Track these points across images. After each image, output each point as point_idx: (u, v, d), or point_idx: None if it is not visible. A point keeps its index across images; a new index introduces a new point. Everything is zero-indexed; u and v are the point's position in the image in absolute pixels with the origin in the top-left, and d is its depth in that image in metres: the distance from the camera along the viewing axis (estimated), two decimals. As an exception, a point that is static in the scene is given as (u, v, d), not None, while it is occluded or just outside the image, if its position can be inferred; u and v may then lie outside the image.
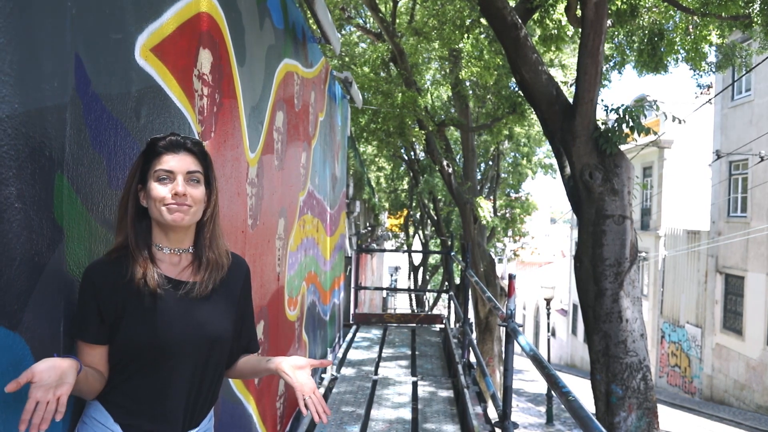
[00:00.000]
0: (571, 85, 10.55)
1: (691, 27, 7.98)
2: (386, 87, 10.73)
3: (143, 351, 1.48)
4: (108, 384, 1.50)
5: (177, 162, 1.49)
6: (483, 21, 8.59)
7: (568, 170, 5.54)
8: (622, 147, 5.96)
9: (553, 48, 8.26)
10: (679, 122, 6.18)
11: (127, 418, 1.49)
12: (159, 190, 1.48)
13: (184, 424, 1.56)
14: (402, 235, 24.84)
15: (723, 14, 6.97)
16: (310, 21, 6.47)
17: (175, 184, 1.48)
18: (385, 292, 23.00)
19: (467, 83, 11.95)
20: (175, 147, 1.51)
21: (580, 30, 5.70)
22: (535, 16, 7.33)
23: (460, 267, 7.59)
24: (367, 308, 15.00)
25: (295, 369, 1.61)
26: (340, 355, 6.28)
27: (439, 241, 21.20)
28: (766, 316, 14.55)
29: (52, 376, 1.24)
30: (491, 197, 17.98)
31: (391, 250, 11.79)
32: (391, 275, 34.79)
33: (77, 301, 1.47)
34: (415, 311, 23.85)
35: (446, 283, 17.42)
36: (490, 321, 12.99)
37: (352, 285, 8.66)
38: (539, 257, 40.74)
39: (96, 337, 1.47)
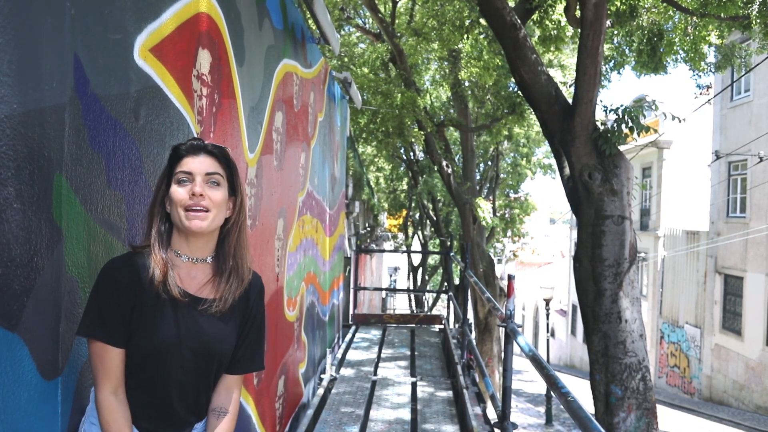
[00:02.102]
0: (570, 86, 10.55)
1: (690, 27, 7.98)
2: (385, 87, 10.72)
3: (153, 358, 1.48)
4: None
5: (196, 163, 1.49)
6: (482, 21, 8.59)
7: (567, 171, 5.53)
8: (622, 147, 5.95)
9: (552, 48, 8.26)
10: (679, 121, 6.17)
11: (135, 419, 1.50)
12: (178, 192, 1.47)
13: (192, 421, 1.60)
14: (401, 235, 24.83)
15: (722, 14, 6.97)
16: (310, 21, 6.47)
17: (193, 185, 1.47)
18: (384, 292, 22.99)
19: (466, 84, 11.95)
20: (195, 150, 1.51)
21: (579, 30, 5.70)
22: (535, 16, 7.32)
23: (459, 267, 7.59)
24: (367, 309, 15.00)
25: None
26: (339, 355, 6.28)
27: (438, 241, 21.22)
28: (765, 317, 14.55)
29: None
30: (490, 198, 17.99)
31: (391, 251, 11.81)
32: (391, 276, 34.74)
33: (94, 299, 1.44)
34: (415, 312, 23.85)
35: (445, 284, 17.43)
36: (489, 321, 12.99)
37: (352, 285, 8.66)
38: (538, 258, 40.76)
39: (118, 339, 1.45)
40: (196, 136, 2.19)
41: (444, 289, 13.55)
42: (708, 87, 10.77)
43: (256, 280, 1.68)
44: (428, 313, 13.91)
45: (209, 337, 1.54)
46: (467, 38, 9.14)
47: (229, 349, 1.60)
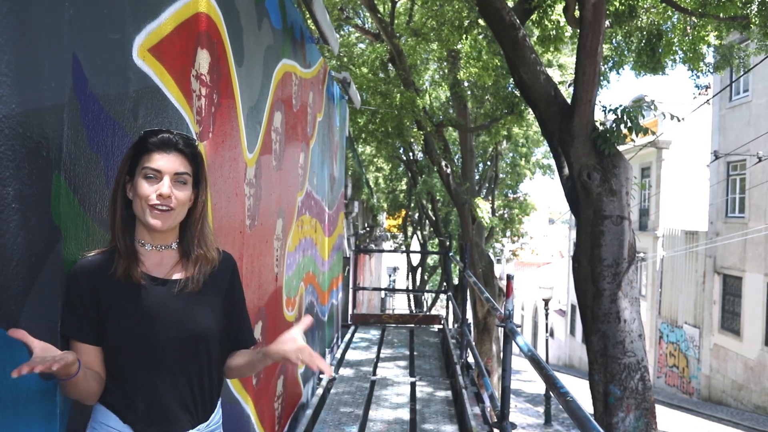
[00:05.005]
0: (569, 86, 10.55)
1: (689, 28, 7.98)
2: (385, 87, 10.72)
3: (133, 348, 1.48)
4: (107, 386, 1.50)
5: (166, 162, 1.48)
6: (481, 22, 8.59)
7: (566, 171, 5.54)
8: (621, 147, 5.96)
9: (551, 49, 8.27)
10: (678, 120, 6.18)
11: (133, 418, 1.49)
12: (145, 188, 1.46)
13: (192, 419, 1.57)
14: (400, 235, 24.83)
15: (721, 15, 6.98)
16: (309, 21, 6.47)
17: (160, 184, 1.47)
18: (383, 292, 22.99)
19: (465, 84, 11.95)
20: (167, 146, 1.49)
21: (578, 31, 5.70)
22: (534, 16, 7.33)
23: (458, 267, 7.59)
24: (366, 309, 14.99)
25: (280, 344, 1.56)
26: (338, 355, 6.28)
27: (437, 241, 21.21)
28: (763, 317, 14.57)
29: (52, 349, 1.29)
30: (489, 198, 17.99)
31: (390, 251, 11.80)
32: (390, 276, 34.75)
33: (64, 301, 1.47)
34: (414, 312, 23.84)
35: (444, 284, 17.45)
36: (488, 321, 12.99)
37: (351, 285, 8.66)
38: (538, 258, 40.77)
39: (88, 336, 1.47)
40: (194, 135, 2.19)
41: (443, 289, 13.58)
42: (707, 87, 10.79)
43: (228, 258, 1.69)
44: (427, 313, 13.91)
45: (190, 316, 1.53)
46: (466, 38, 9.15)
47: (214, 328, 1.59)
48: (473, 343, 5.52)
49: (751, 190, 15.23)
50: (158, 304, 1.50)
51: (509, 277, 3.30)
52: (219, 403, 1.68)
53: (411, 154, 17.56)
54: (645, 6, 7.58)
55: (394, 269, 36.34)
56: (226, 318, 1.65)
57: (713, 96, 15.85)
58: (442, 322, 8.00)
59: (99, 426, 1.49)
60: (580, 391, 12.83)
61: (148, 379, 1.50)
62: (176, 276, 1.55)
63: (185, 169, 1.51)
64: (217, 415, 1.66)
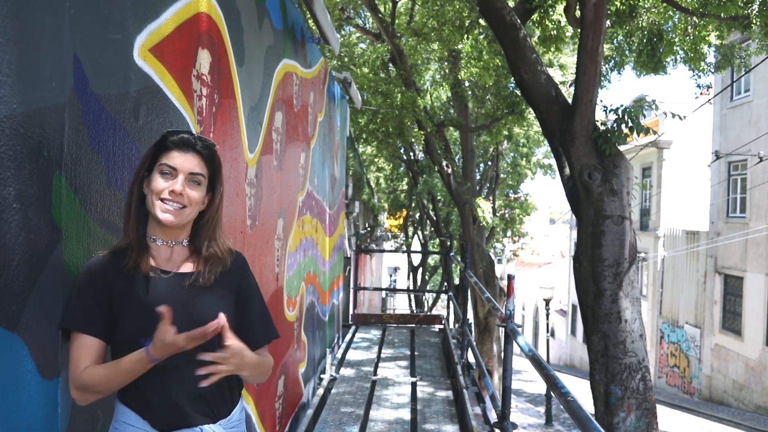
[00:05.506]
0: (570, 86, 10.55)
1: (690, 27, 7.98)
2: (385, 87, 10.72)
3: (144, 340, 1.47)
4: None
5: (183, 161, 1.51)
6: (482, 22, 8.59)
7: (567, 171, 5.53)
8: (621, 147, 5.95)
9: (552, 49, 8.27)
10: (680, 118, 6.18)
11: (151, 414, 1.49)
12: (159, 182, 1.49)
13: (212, 412, 1.55)
14: (401, 235, 24.83)
15: (722, 15, 6.97)
16: (309, 21, 6.48)
17: (174, 181, 1.49)
18: (384, 292, 22.99)
19: (466, 84, 11.95)
20: (185, 146, 1.52)
21: (579, 31, 5.70)
22: (535, 16, 7.33)
23: (459, 267, 7.59)
24: (367, 309, 14.99)
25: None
26: (339, 355, 6.28)
27: (438, 241, 21.21)
28: (764, 317, 14.55)
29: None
30: (490, 198, 17.98)
31: (391, 251, 11.78)
32: (390, 276, 34.77)
33: (73, 295, 1.47)
34: (414, 312, 23.84)
35: (445, 284, 17.42)
36: (489, 321, 12.99)
37: (352, 285, 8.66)
38: (538, 258, 40.77)
39: (95, 329, 1.47)
40: (190, 131, 2.19)
41: (444, 289, 13.57)
42: (708, 87, 10.76)
43: (240, 257, 1.70)
44: (428, 313, 13.91)
45: (199, 307, 1.53)
46: (467, 38, 9.14)
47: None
48: (474, 343, 5.52)
49: (752, 190, 15.22)
50: (167, 295, 1.50)
51: (510, 277, 3.30)
52: (241, 400, 1.67)
53: (412, 154, 17.55)
54: (646, 6, 7.58)
55: (395, 269, 36.35)
56: (239, 316, 1.64)
57: (714, 96, 15.83)
58: (443, 322, 8.00)
59: (120, 425, 1.50)
60: (581, 391, 12.82)
61: (160, 372, 1.48)
62: (186, 269, 1.57)
63: (201, 170, 1.54)
64: (240, 411, 1.65)
